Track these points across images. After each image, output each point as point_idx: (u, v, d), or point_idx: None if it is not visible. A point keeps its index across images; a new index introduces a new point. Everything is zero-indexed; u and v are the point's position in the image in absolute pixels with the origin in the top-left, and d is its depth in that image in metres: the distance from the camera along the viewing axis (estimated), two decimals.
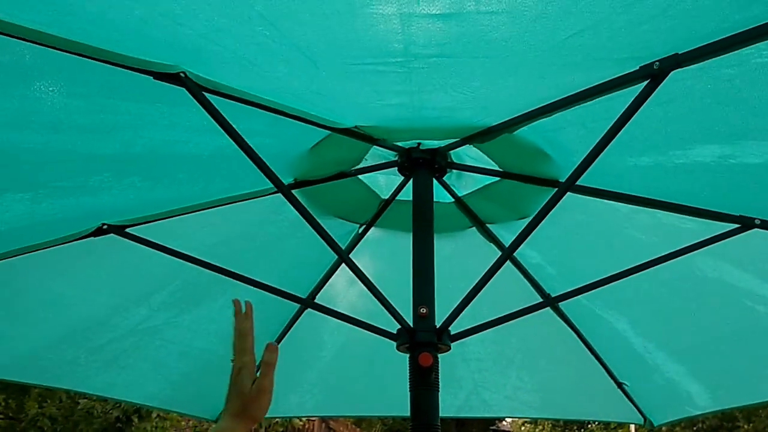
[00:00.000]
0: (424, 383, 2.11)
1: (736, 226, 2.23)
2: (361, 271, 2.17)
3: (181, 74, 1.64)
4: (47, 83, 1.63)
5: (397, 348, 2.21)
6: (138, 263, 2.59)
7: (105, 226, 2.37)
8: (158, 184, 2.21)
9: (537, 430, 17.56)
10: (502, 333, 3.13)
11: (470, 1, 1.28)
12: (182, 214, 2.43)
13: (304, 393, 3.60)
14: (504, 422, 21.93)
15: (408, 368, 2.16)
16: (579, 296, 2.77)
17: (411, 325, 2.18)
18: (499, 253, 2.80)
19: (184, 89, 1.69)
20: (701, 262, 2.48)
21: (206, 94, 1.72)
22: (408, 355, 2.18)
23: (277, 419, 9.01)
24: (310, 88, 1.75)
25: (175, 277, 2.71)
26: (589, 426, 17.34)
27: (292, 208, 2.59)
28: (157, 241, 2.38)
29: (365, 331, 2.52)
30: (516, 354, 3.32)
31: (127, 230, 2.40)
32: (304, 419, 9.82)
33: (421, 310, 2.19)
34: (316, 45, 1.47)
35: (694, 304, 2.72)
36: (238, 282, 2.41)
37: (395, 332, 2.21)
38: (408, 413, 3.17)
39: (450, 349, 2.21)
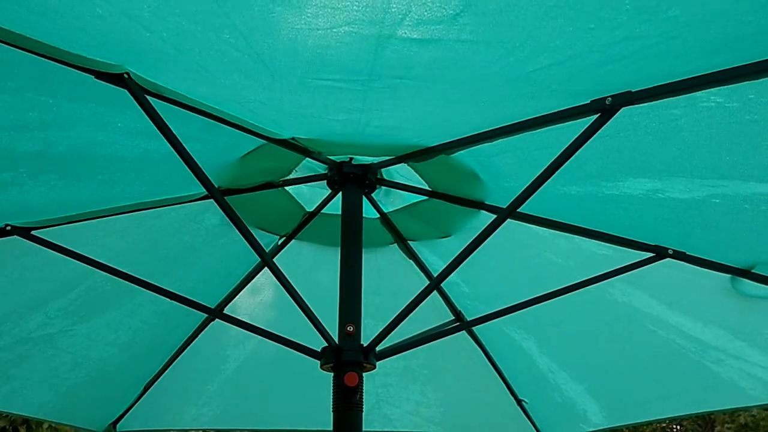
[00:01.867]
0: (348, 403, 2.08)
1: (651, 255, 2.33)
2: (287, 279, 2.11)
3: (125, 75, 1.54)
4: None
5: (322, 366, 2.17)
6: (40, 267, 2.42)
7: (8, 227, 2.20)
8: (74, 184, 2.06)
9: None
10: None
11: (454, 28, 1.26)
12: (94, 218, 2.28)
13: (202, 406, 3.48)
14: None
15: (332, 386, 2.13)
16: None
17: (336, 342, 2.14)
18: (417, 269, 2.83)
19: (124, 90, 1.59)
20: (613, 287, 2.57)
21: (148, 97, 1.62)
22: (332, 374, 2.15)
23: None
24: (258, 97, 1.69)
25: (79, 284, 2.54)
26: None
27: (208, 217, 2.52)
28: (64, 245, 2.23)
29: (271, 345, 2.46)
30: (422, 369, 3.33)
31: (33, 233, 2.23)
32: None
33: (348, 328, 2.15)
34: (280, 57, 1.41)
35: (601, 327, 2.81)
36: (144, 290, 2.29)
37: (319, 350, 2.17)
38: (314, 426, 3.13)
39: (375, 368, 2.19)
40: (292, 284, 2.16)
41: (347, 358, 2.11)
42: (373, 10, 1.20)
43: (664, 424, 14.44)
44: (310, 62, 1.44)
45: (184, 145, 1.79)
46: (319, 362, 2.16)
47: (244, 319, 2.51)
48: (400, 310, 2.19)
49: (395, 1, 1.17)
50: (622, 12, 1.21)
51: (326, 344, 2.14)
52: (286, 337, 2.25)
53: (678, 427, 14.87)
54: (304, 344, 2.19)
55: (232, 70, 1.50)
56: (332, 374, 2.13)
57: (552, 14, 1.23)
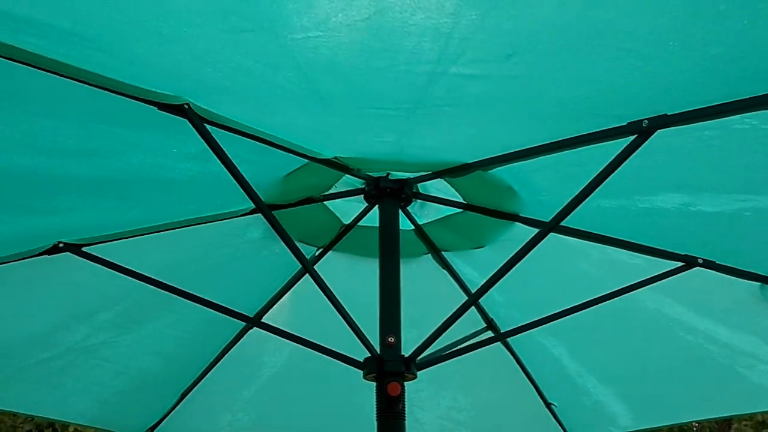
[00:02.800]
0: (391, 412, 2.15)
1: (681, 264, 2.39)
2: (328, 288, 2.19)
3: (185, 106, 1.62)
4: (43, 108, 1.57)
5: (365, 376, 2.24)
6: (89, 282, 2.51)
7: (61, 244, 2.29)
8: (128, 205, 2.15)
9: None
10: None
11: (506, 66, 1.33)
12: (142, 235, 2.37)
13: (237, 411, 3.56)
14: None
15: (375, 396, 2.20)
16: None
17: (378, 352, 2.21)
18: (451, 279, 2.90)
19: (181, 119, 1.68)
20: (642, 294, 2.62)
21: (206, 125, 1.71)
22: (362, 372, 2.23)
23: None
24: (307, 123, 1.77)
25: (125, 297, 2.64)
26: None
27: (250, 231, 2.60)
28: (112, 260, 2.32)
29: (306, 353, 2.54)
30: (453, 374, 3.39)
31: (84, 249, 2.32)
32: None
33: (389, 339, 2.23)
34: (336, 91, 1.49)
35: (631, 333, 2.88)
36: (185, 302, 2.38)
37: (358, 359, 2.24)
38: None
39: (416, 377, 2.26)
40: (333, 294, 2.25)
41: (390, 369, 2.18)
42: (431, 52, 1.28)
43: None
44: (362, 94, 1.52)
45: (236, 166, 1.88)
46: (359, 371, 2.24)
47: (281, 328, 2.61)
48: (436, 320, 2.27)
49: (453, 44, 1.25)
50: (667, 50, 1.28)
51: (367, 354, 2.21)
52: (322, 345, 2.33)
53: (696, 425, 14.81)
54: (343, 353, 2.27)
55: (287, 101, 1.58)
56: (373, 383, 2.21)
57: (599, 53, 1.30)
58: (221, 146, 1.79)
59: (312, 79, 1.42)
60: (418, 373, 3.36)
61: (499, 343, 3.22)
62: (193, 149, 1.83)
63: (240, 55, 1.35)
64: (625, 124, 1.72)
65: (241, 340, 3.14)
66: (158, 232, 2.38)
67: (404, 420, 2.16)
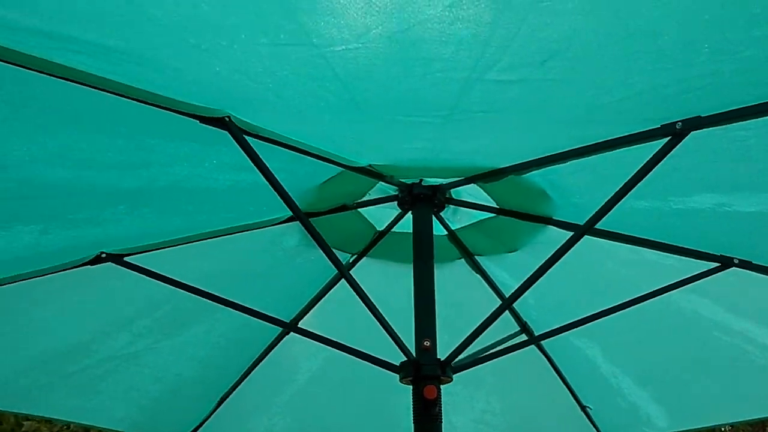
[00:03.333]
0: (428, 415, 2.17)
1: (717, 264, 2.38)
2: (364, 293, 2.22)
3: (226, 119, 1.67)
4: (88, 122, 1.62)
5: (401, 380, 2.27)
6: (129, 290, 2.57)
7: (103, 255, 2.34)
8: (167, 215, 2.20)
9: None
10: None
11: (541, 70, 1.36)
12: (182, 244, 2.42)
13: (274, 416, 3.61)
14: None
15: (411, 400, 2.23)
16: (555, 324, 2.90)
17: (414, 355, 2.24)
18: (484, 283, 2.92)
19: (220, 130, 1.72)
20: (678, 295, 2.62)
21: (245, 136, 1.75)
22: (411, 387, 2.25)
23: None
24: (343, 132, 1.80)
25: (164, 304, 2.69)
26: None
27: (286, 239, 2.64)
28: (152, 269, 2.37)
29: (342, 358, 2.56)
30: (486, 377, 3.40)
31: (126, 259, 2.38)
32: None
33: (425, 343, 2.25)
34: (372, 100, 1.52)
35: (665, 334, 2.87)
36: (223, 308, 2.42)
37: (398, 364, 2.27)
38: None
39: (452, 380, 2.28)
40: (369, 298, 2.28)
41: (426, 372, 2.20)
42: (468, 60, 1.31)
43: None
44: (399, 102, 1.55)
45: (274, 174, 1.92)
46: (396, 375, 2.26)
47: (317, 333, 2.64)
48: (470, 325, 2.28)
49: (489, 52, 1.27)
50: (701, 54, 1.29)
51: (403, 358, 2.24)
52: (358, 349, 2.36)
53: (729, 427, 14.58)
54: (378, 357, 2.30)
55: (324, 110, 1.61)
56: (410, 387, 2.23)
57: (633, 58, 1.32)
58: (260, 156, 1.82)
59: (350, 87, 1.45)
60: (453, 375, 3.41)
61: (534, 348, 3.23)
62: (233, 160, 1.87)
63: (279, 67, 1.39)
64: (659, 126, 1.74)
65: (278, 345, 3.18)
66: (198, 241, 2.42)
67: (441, 422, 2.18)
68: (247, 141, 1.75)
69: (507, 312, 3.08)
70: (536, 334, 3.10)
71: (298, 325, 2.99)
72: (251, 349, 3.18)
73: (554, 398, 3.39)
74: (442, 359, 2.24)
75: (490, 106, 1.57)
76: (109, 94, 1.51)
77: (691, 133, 1.73)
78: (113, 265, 2.38)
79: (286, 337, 3.13)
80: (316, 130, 1.81)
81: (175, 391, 3.22)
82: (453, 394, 3.41)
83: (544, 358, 3.28)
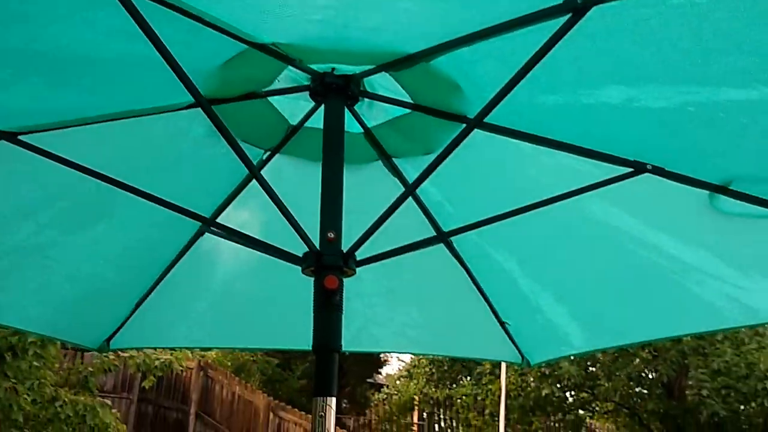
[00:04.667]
0: (328, 305, 2.14)
1: (630, 170, 2.36)
2: (272, 190, 2.16)
3: None
4: None
5: (303, 271, 2.23)
6: (29, 174, 2.47)
7: None
8: (59, 87, 2.09)
9: (412, 383, 17.99)
10: (396, 269, 3.21)
11: None
12: (81, 125, 2.32)
13: (193, 324, 3.56)
14: (380, 375, 22.45)
15: (312, 293, 2.19)
16: (472, 234, 2.88)
17: (317, 248, 2.20)
18: (401, 188, 2.87)
19: None
20: (593, 205, 2.61)
21: None
22: (313, 279, 2.21)
23: (156, 364, 8.86)
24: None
25: (68, 192, 2.59)
26: (462, 381, 17.95)
27: (194, 128, 2.55)
28: (53, 151, 2.27)
29: (261, 261, 2.50)
30: (407, 290, 3.39)
31: (21, 137, 2.27)
32: (184, 365, 9.68)
33: (329, 234, 2.21)
34: None
35: (582, 247, 2.86)
36: (137, 199, 2.34)
37: (301, 255, 2.23)
38: (304, 346, 3.20)
39: (355, 273, 2.25)
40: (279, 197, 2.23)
41: (327, 263, 2.17)
42: None
43: None
44: None
45: (170, 49, 1.83)
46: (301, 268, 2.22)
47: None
48: (386, 228, 2.26)
49: None
50: None
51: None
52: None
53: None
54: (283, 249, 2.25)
55: None
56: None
57: None
58: (147, 21, 1.73)
59: None
60: (374, 287, 3.39)
61: (454, 261, 3.20)
62: (119, 22, 1.77)
63: None
64: (561, 2, 1.68)
65: (193, 247, 3.11)
66: (96, 122, 2.32)
67: (341, 312, 2.15)
68: (133, 4, 1.65)
69: (429, 224, 3.05)
70: (455, 245, 3.08)
71: (216, 221, 2.91)
72: (165, 251, 3.10)
73: (475, 314, 3.38)
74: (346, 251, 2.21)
75: None
76: None
77: (596, 10, 1.68)
78: (7, 144, 2.28)
79: (201, 238, 3.05)
80: None
81: (88, 292, 3.15)
82: (374, 305, 3.41)
83: (466, 275, 3.25)
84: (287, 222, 2.21)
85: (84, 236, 2.84)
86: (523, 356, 3.55)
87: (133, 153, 2.56)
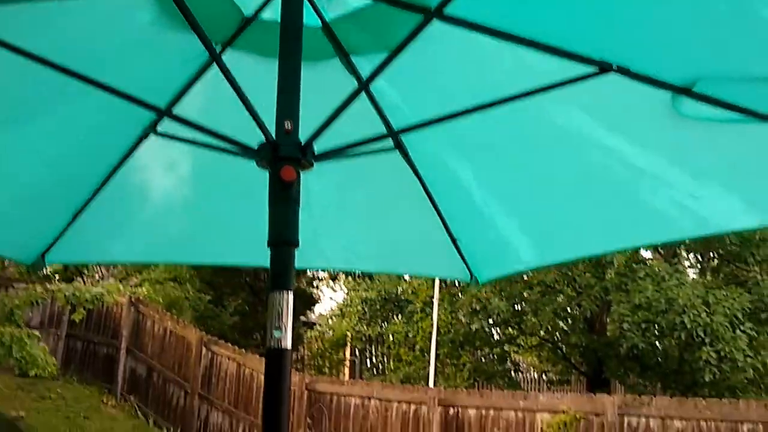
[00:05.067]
0: (284, 197, 2.06)
1: (594, 69, 2.31)
2: (231, 75, 2.03)
3: None
4: None
5: (258, 164, 2.13)
6: None
7: None
8: None
9: (344, 321, 18.14)
10: (349, 181, 3.14)
11: None
12: (14, 2, 2.13)
13: (132, 238, 3.41)
14: (312, 314, 22.54)
15: (268, 189, 2.10)
16: (429, 142, 2.81)
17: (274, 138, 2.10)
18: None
19: None
20: (553, 106, 2.54)
21: None
22: (267, 175, 2.12)
23: (87, 296, 8.64)
24: None
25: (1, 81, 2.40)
26: (393, 320, 18.18)
27: (140, 14, 2.38)
28: None
29: (209, 169, 2.37)
30: (360, 203, 3.32)
31: None
32: (116, 298, 9.46)
33: (286, 124, 2.11)
34: None
35: (539, 152, 2.80)
36: (81, 95, 2.19)
37: (256, 147, 2.13)
38: (253, 261, 3.11)
39: (312, 166, 2.16)
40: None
41: (284, 153, 2.08)
42: None
43: None
44: None
45: None
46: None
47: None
48: (343, 128, 2.18)
49: None
50: None
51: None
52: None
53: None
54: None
55: None
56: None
57: None
58: None
59: None
60: (325, 200, 3.30)
61: (410, 173, 3.11)
62: None
63: None
64: None
65: (135, 153, 2.94)
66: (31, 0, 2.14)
67: (298, 206, 2.07)
68: None
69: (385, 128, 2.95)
70: (409, 152, 3.00)
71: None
72: (107, 155, 2.92)
73: (427, 230, 3.32)
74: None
75: None
76: None
77: None
78: None
79: (146, 141, 2.88)
80: None
81: (23, 199, 2.96)
82: (324, 217, 3.32)
83: (420, 187, 3.18)
84: (246, 110, 2.09)
85: (19, 133, 2.64)
86: (472, 274, 3.52)
87: (74, 39, 2.37)
